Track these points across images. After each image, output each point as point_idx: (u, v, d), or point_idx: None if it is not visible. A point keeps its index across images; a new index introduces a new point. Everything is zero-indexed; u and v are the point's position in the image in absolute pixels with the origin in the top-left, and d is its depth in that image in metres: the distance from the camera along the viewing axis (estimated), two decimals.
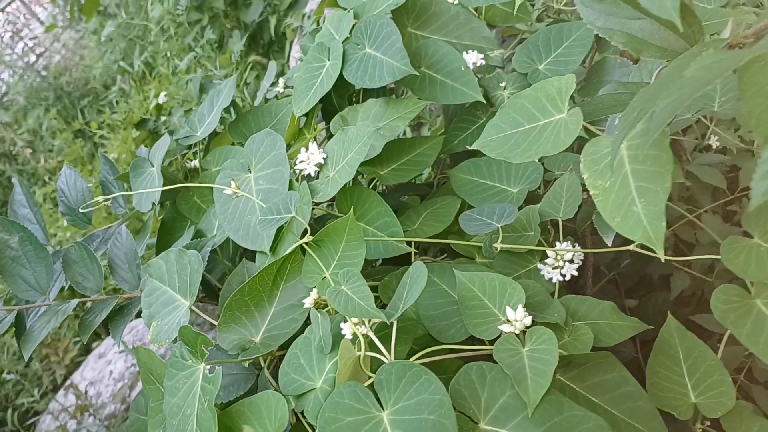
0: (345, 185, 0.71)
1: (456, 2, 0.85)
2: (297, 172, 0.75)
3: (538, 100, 0.58)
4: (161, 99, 1.82)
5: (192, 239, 0.81)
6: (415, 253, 0.75)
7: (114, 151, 2.49)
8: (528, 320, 0.53)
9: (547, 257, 0.67)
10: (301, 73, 0.85)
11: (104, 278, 0.82)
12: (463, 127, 0.81)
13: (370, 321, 0.54)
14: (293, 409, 0.55)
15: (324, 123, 0.92)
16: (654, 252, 0.46)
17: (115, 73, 3.61)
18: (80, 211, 0.93)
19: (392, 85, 0.94)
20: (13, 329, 0.87)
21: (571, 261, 0.67)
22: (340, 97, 0.88)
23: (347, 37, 0.80)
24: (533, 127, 0.57)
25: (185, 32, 3.22)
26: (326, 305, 0.58)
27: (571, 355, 0.58)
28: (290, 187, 0.71)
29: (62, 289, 0.90)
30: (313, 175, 0.72)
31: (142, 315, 0.72)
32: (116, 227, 0.96)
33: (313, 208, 0.80)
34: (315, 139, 0.89)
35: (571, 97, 0.59)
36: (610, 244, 0.65)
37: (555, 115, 0.57)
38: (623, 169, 0.50)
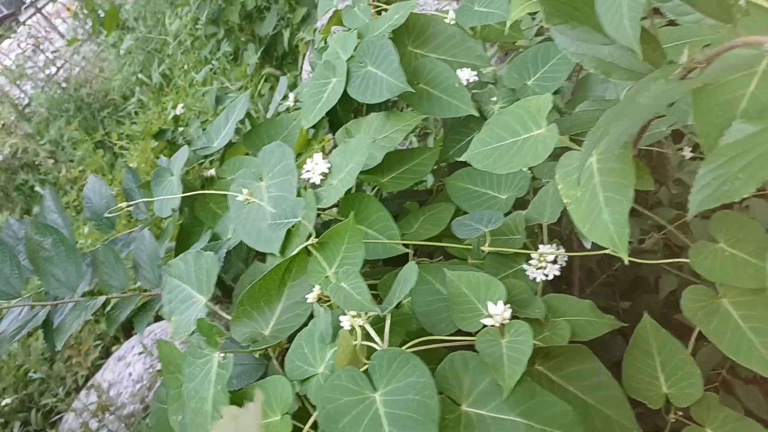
0: (348, 192, 0.77)
1: (452, 23, 0.92)
2: (305, 180, 0.82)
3: (520, 117, 0.64)
4: (179, 110, 1.90)
5: (208, 242, 0.88)
6: (414, 255, 0.81)
7: (133, 160, 2.58)
8: (507, 314, 0.59)
9: (531, 258, 0.73)
10: (309, 89, 0.91)
11: (128, 278, 0.89)
12: (458, 139, 0.88)
13: (366, 314, 0.60)
14: (297, 393, 0.61)
15: (331, 134, 0.99)
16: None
17: (133, 85, 3.72)
18: (105, 216, 1.00)
19: (395, 98, 1.00)
20: (41, 332, 0.94)
21: (554, 262, 0.73)
22: (345, 111, 0.95)
23: (351, 56, 0.87)
24: (515, 141, 0.63)
25: (202, 45, 3.32)
26: (328, 300, 0.65)
27: (549, 347, 0.64)
28: (298, 195, 0.77)
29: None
30: (318, 183, 0.79)
31: (162, 311, 0.79)
32: (138, 232, 1.04)
33: (319, 214, 0.87)
34: (323, 150, 0.96)
35: (558, 110, 0.65)
36: (588, 247, 0.70)
37: (534, 130, 0.63)
38: (593, 180, 0.56)
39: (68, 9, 4.13)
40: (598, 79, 0.82)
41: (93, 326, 2.45)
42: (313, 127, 0.93)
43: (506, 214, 0.78)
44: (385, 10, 0.93)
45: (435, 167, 1.05)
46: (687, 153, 0.84)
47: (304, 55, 2.63)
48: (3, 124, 3.70)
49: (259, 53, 2.99)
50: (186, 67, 3.17)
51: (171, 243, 1.09)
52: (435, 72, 0.85)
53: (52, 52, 5.24)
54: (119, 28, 3.93)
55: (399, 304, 0.73)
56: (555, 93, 0.92)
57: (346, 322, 0.60)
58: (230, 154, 1.08)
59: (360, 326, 0.59)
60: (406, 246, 0.78)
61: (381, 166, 0.87)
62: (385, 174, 0.89)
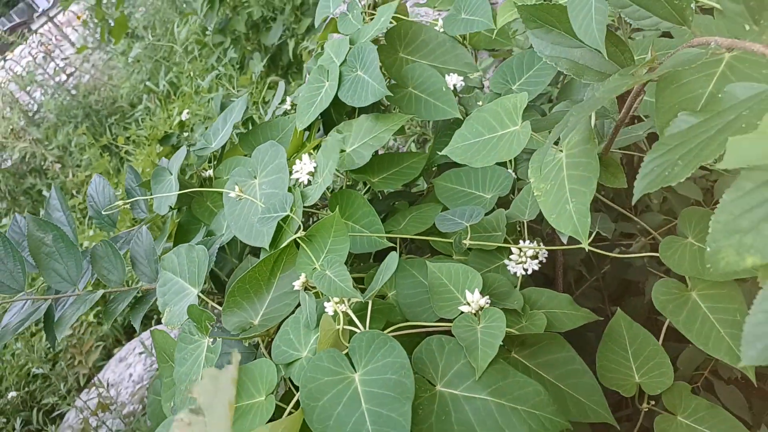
0: (338, 189, 0.81)
1: (443, 30, 0.95)
2: (295, 180, 0.85)
3: (497, 114, 0.67)
4: (184, 116, 1.95)
5: (203, 238, 0.91)
6: (401, 253, 0.84)
7: (139, 165, 2.63)
8: (483, 301, 0.62)
9: (512, 254, 0.76)
10: (304, 93, 0.95)
11: (126, 272, 0.93)
12: (445, 141, 0.90)
13: (349, 300, 0.63)
14: (283, 376, 0.64)
15: (325, 136, 1.02)
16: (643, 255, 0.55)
17: (141, 93, 3.79)
18: (106, 213, 1.04)
19: (389, 103, 1.04)
20: (43, 330, 0.98)
21: (534, 257, 0.76)
22: (338, 113, 0.98)
23: (344, 61, 0.90)
24: (492, 137, 0.67)
25: (209, 54, 3.39)
26: (314, 289, 0.68)
27: (525, 335, 0.66)
28: (289, 192, 0.81)
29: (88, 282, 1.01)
30: (305, 182, 0.82)
31: (157, 303, 0.82)
32: (137, 230, 1.07)
33: (312, 212, 0.90)
34: (315, 151, 0.99)
35: (542, 113, 0.69)
36: (565, 242, 0.73)
37: (510, 127, 0.66)
38: (561, 174, 0.59)
39: (78, 17, 4.21)
40: (581, 84, 0.86)
41: (95, 328, 2.49)
42: (307, 129, 0.96)
43: (490, 213, 0.81)
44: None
45: (426, 170, 1.09)
46: None
47: None
48: (12, 129, 3.77)
49: (264, 62, 3.04)
50: (192, 74, 3.23)
51: (168, 244, 1.12)
52: (423, 77, 0.89)
53: (63, 59, 5.32)
54: (128, 36, 4.01)
55: (384, 296, 0.77)
56: (541, 97, 0.96)
57: (329, 308, 0.63)
58: (228, 155, 1.12)
59: (343, 312, 0.62)
60: (394, 243, 0.81)
61: (373, 167, 0.90)
62: (377, 174, 0.92)
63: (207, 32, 3.31)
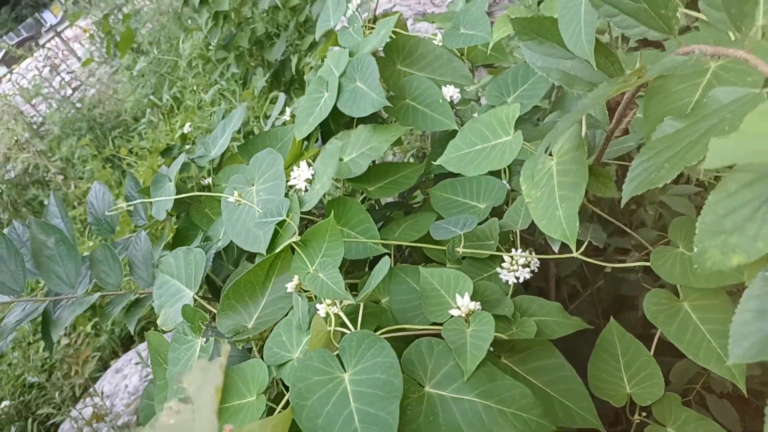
0: (336, 196, 0.82)
1: (441, 44, 0.97)
2: (292, 187, 0.86)
3: (491, 124, 0.69)
4: (186, 129, 1.97)
5: (200, 243, 0.92)
6: (396, 261, 0.85)
7: (140, 176, 2.65)
8: (473, 305, 0.63)
9: (504, 262, 0.77)
10: (304, 103, 0.97)
11: (123, 277, 0.94)
12: (440, 152, 0.92)
13: (341, 303, 0.64)
14: (274, 378, 0.65)
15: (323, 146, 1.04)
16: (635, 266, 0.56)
17: (145, 107, 3.82)
18: (105, 215, 1.05)
19: (387, 114, 1.06)
20: (40, 341, 0.98)
21: (526, 266, 0.76)
22: (336, 124, 1.00)
23: (343, 72, 0.92)
24: (485, 147, 0.68)
25: (212, 69, 3.43)
26: (306, 291, 0.69)
27: (515, 341, 0.67)
28: (286, 197, 0.82)
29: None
30: (303, 189, 0.83)
31: (153, 305, 0.83)
32: (136, 235, 1.09)
33: (309, 218, 0.91)
34: (314, 160, 1.00)
35: (536, 124, 0.70)
36: (556, 251, 0.74)
37: (503, 137, 0.67)
38: (552, 181, 0.60)
39: (85, 30, 4.26)
40: (574, 96, 0.87)
41: (92, 339, 2.49)
42: (306, 138, 0.98)
43: (483, 222, 0.82)
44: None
45: (423, 180, 1.10)
46: None
47: None
48: (17, 141, 3.80)
49: (267, 77, 3.08)
50: (196, 89, 3.27)
51: (167, 251, 1.13)
52: (421, 89, 0.90)
53: (68, 73, 5.38)
54: (134, 51, 4.06)
55: (377, 301, 0.77)
56: (535, 109, 0.97)
57: (322, 310, 0.64)
58: (227, 163, 1.13)
59: (334, 314, 0.63)
60: (388, 250, 0.82)
61: (369, 176, 0.92)
62: (373, 183, 0.93)
63: (211, 48, 3.35)
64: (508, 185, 0.87)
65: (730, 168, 0.40)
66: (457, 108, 0.95)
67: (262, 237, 0.80)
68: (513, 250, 0.78)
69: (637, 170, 0.45)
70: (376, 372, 0.56)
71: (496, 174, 0.87)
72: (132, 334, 0.96)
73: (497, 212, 0.86)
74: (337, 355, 0.59)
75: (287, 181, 0.84)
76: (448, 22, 1.06)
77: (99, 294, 0.93)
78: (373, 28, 1.03)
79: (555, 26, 0.63)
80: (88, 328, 2.53)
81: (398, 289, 0.76)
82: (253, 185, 0.87)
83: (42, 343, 2.43)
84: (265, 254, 0.80)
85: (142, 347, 2.27)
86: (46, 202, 3.45)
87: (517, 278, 0.76)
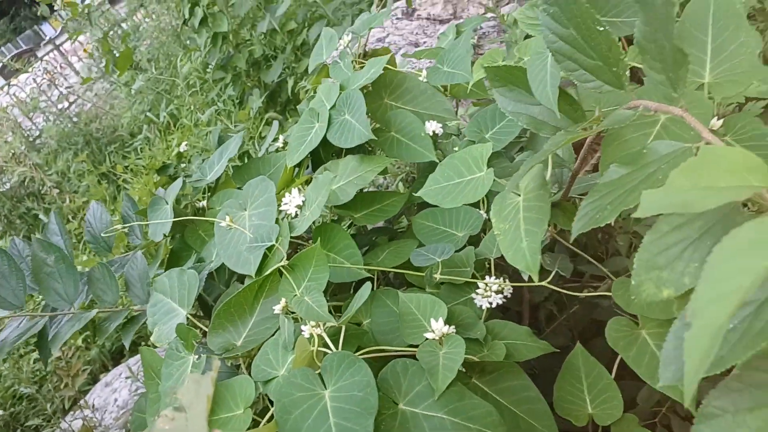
0: (322, 223, 0.87)
1: (425, 80, 1.03)
2: (284, 212, 0.92)
3: (466, 161, 0.75)
4: (182, 148, 2.02)
5: (193, 264, 0.97)
6: (380, 285, 0.90)
7: (136, 194, 2.70)
8: (446, 329, 0.68)
9: (479, 288, 0.82)
10: (296, 132, 1.03)
11: (119, 294, 0.98)
12: (423, 182, 0.98)
13: (324, 324, 0.69)
14: (261, 393, 0.70)
15: (313, 173, 1.09)
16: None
17: (141, 123, 3.88)
18: (102, 236, 1.10)
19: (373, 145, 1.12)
20: (32, 353, 1.03)
21: (500, 292, 0.82)
22: (326, 153, 1.05)
23: (333, 105, 0.98)
24: (461, 181, 0.74)
25: (209, 88, 3.50)
26: (293, 312, 0.74)
27: (486, 363, 0.72)
28: (276, 223, 0.87)
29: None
30: (293, 214, 0.88)
31: (147, 322, 0.88)
32: (132, 255, 1.13)
33: (299, 243, 0.97)
34: (304, 186, 1.06)
35: (512, 160, 0.75)
36: (526, 279, 0.79)
37: (477, 173, 0.73)
38: (518, 215, 0.66)
39: (85, 50, 4.33)
40: (543, 137, 0.93)
41: (83, 352, 2.52)
42: (297, 165, 1.04)
43: (461, 249, 0.87)
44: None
45: (408, 208, 1.16)
46: None
47: None
48: (13, 154, 3.84)
49: (263, 98, 3.14)
50: (193, 108, 3.33)
51: (161, 270, 1.18)
52: (405, 122, 0.96)
53: (66, 87, 5.43)
54: (132, 68, 4.12)
55: (360, 323, 0.83)
56: (514, 145, 1.03)
57: (306, 331, 0.69)
58: (222, 188, 1.19)
59: (318, 335, 0.68)
60: (372, 275, 0.88)
61: (356, 204, 0.97)
62: (359, 210, 0.99)
63: (209, 68, 3.42)
64: (485, 215, 0.92)
65: None
66: (440, 141, 1.01)
67: (252, 260, 0.85)
68: (488, 276, 0.83)
69: (584, 210, 0.51)
70: (354, 390, 0.61)
71: (474, 204, 0.92)
72: (126, 348, 1.00)
73: (475, 240, 0.92)
74: (319, 374, 0.64)
75: (279, 206, 0.90)
76: (434, 57, 1.13)
77: (96, 310, 0.97)
78: (362, 62, 1.10)
79: (524, 75, 0.69)
80: (79, 342, 2.55)
81: (379, 312, 0.81)
82: (245, 210, 0.92)
83: (33, 355, 2.46)
84: (254, 276, 0.85)
85: (132, 361, 2.30)
86: (40, 215, 3.49)
87: (491, 303, 0.81)
